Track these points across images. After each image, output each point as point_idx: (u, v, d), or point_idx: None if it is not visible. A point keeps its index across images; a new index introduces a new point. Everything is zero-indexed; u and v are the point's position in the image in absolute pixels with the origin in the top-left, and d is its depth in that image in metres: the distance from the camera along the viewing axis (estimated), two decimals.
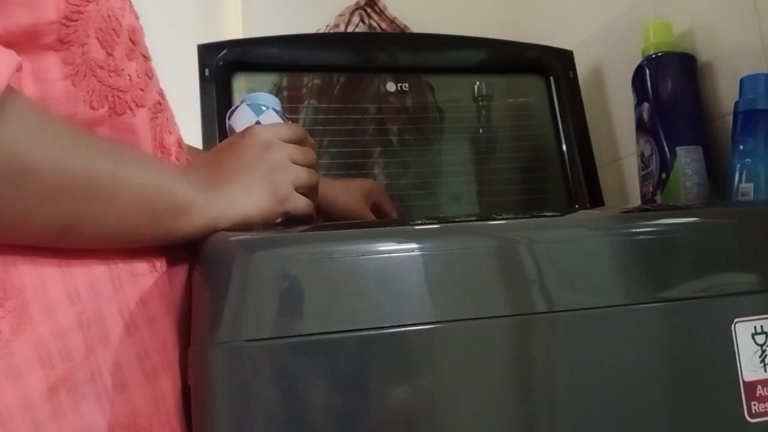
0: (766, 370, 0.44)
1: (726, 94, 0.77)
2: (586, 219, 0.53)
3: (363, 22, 1.29)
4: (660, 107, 0.81)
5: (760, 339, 0.45)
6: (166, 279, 0.45)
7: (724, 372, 0.44)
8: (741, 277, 0.47)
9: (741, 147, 0.69)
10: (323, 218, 0.75)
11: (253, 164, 0.50)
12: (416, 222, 0.46)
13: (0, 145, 0.35)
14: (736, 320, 0.44)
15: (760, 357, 0.44)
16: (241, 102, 0.64)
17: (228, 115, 0.64)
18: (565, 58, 1.00)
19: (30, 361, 0.36)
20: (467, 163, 0.97)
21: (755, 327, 0.45)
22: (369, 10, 1.30)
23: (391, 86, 0.94)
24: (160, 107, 0.48)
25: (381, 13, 1.30)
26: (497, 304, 0.42)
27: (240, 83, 0.89)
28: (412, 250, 0.41)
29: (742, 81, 0.70)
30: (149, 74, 0.47)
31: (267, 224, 0.49)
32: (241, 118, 0.63)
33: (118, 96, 0.43)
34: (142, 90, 0.45)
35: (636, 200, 0.90)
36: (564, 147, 0.96)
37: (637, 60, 0.84)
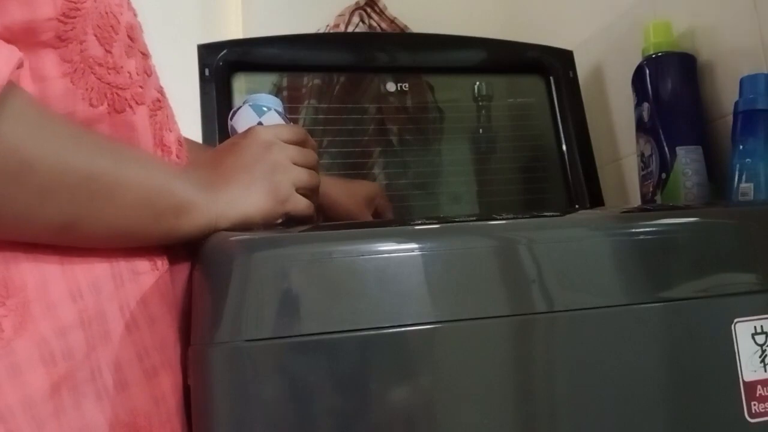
0: (766, 370, 0.44)
1: (726, 94, 0.77)
2: (586, 219, 0.53)
3: (363, 22, 1.29)
4: (660, 107, 0.81)
5: (760, 339, 0.45)
6: (167, 277, 0.45)
7: (724, 372, 0.44)
8: (741, 277, 0.47)
9: (741, 147, 0.69)
10: (323, 217, 0.75)
11: (254, 164, 0.50)
12: (416, 222, 0.46)
13: (0, 141, 0.35)
14: (736, 320, 0.44)
15: (760, 357, 0.44)
16: (243, 103, 0.64)
17: (230, 115, 0.64)
18: (565, 58, 1.00)
19: (32, 360, 0.36)
20: (467, 163, 0.97)
21: (755, 327, 0.45)
22: (369, 10, 1.30)
23: (391, 86, 0.94)
24: (159, 104, 0.48)
25: (381, 13, 1.30)
26: (497, 304, 0.42)
27: (240, 83, 0.89)
28: (412, 250, 0.41)
29: (742, 81, 0.70)
30: (148, 71, 0.47)
31: (267, 225, 0.49)
32: (243, 119, 0.63)
33: (117, 93, 0.43)
34: (141, 87, 0.45)
35: (636, 200, 0.90)
36: (564, 147, 0.96)
37: (637, 60, 0.84)
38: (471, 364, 0.40)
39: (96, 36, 0.42)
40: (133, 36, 0.46)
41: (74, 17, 0.40)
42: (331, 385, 0.39)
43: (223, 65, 0.87)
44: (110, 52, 0.43)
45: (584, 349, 0.42)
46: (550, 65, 0.98)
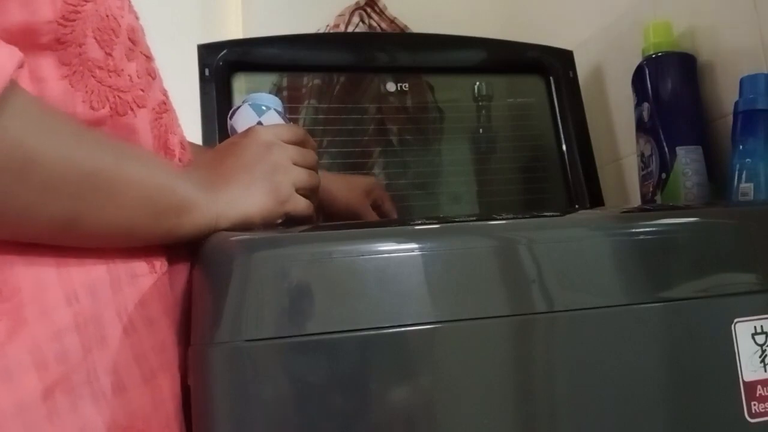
0: (766, 370, 0.44)
1: (726, 94, 0.77)
2: (586, 219, 0.53)
3: (363, 22, 1.29)
4: (660, 107, 0.81)
5: (760, 339, 0.45)
6: (165, 280, 0.44)
7: (724, 372, 0.44)
8: (741, 277, 0.47)
9: (741, 147, 0.69)
10: (322, 212, 0.75)
11: (254, 165, 0.50)
12: (416, 222, 0.46)
13: (4, 136, 0.35)
14: (736, 320, 0.44)
15: (760, 357, 0.44)
16: (243, 102, 0.64)
17: (230, 115, 0.64)
18: (565, 58, 1.00)
19: (23, 364, 0.36)
20: (467, 163, 0.97)
21: (755, 327, 0.45)
22: (369, 10, 1.30)
23: (391, 86, 0.94)
24: (164, 107, 0.48)
25: (381, 13, 1.30)
26: (497, 304, 0.42)
27: (240, 83, 0.89)
28: (412, 250, 0.41)
29: (742, 81, 0.70)
30: (152, 74, 0.47)
31: (267, 225, 0.49)
32: (242, 119, 0.63)
33: (119, 96, 0.43)
34: (143, 90, 0.45)
35: (636, 200, 0.90)
36: (564, 147, 0.96)
37: (637, 60, 0.84)
38: (471, 364, 0.40)
39: (96, 39, 0.41)
40: (135, 39, 0.46)
41: (74, 20, 0.40)
42: (331, 385, 0.39)
43: (223, 65, 0.87)
44: (111, 55, 0.42)
45: (584, 349, 0.42)
46: (550, 65, 0.98)
